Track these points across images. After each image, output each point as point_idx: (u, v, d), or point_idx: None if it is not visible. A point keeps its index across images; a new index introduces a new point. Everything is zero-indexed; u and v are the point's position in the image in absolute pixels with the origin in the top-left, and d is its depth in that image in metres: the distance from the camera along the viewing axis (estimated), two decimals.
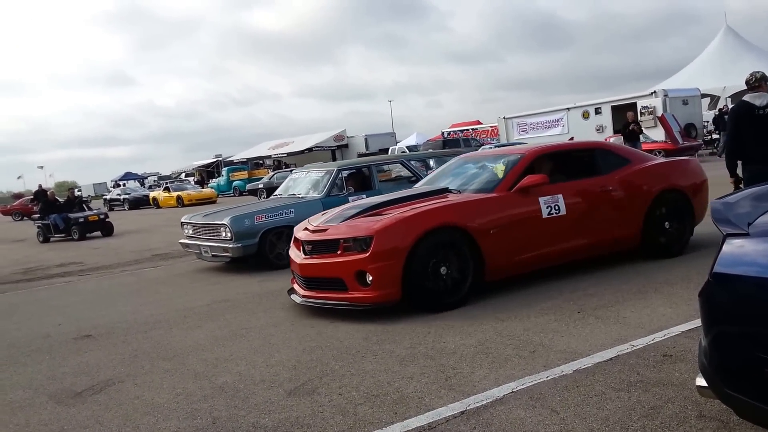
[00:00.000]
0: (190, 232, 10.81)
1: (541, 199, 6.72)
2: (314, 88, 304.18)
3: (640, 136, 21.92)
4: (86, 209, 22.35)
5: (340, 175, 10.64)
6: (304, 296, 6.61)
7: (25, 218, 37.16)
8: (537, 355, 4.63)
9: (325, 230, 6.52)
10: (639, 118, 24.64)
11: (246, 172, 47.61)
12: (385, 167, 13.41)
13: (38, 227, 21.58)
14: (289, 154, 53.60)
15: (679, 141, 25.20)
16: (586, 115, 31.09)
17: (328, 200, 9.99)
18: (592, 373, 4.16)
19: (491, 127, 42.75)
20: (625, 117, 22.56)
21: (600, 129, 30.03)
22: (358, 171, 11.47)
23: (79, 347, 6.31)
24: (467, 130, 46.05)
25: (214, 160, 63.92)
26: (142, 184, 61.35)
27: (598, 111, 30.63)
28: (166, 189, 39.67)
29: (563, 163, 7.71)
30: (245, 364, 5.15)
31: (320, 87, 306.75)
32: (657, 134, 25.43)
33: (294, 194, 11.02)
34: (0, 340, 7.07)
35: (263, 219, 9.67)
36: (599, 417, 3.52)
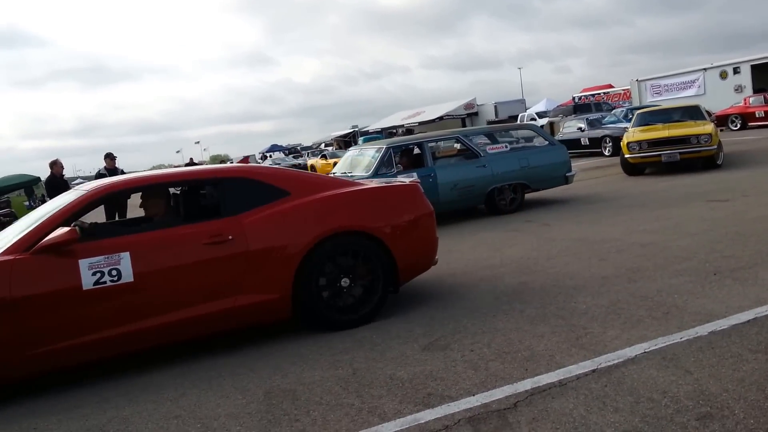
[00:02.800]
0: None
1: (84, 262, 4.58)
2: (440, 60, 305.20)
3: None
4: None
5: (389, 153, 10.46)
6: None
7: None
8: (670, 316, 4.60)
9: None
10: None
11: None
12: (441, 144, 12.89)
13: None
14: (421, 123, 54.05)
15: None
16: (723, 75, 29.33)
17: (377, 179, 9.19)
18: (728, 335, 4.11)
19: (623, 90, 40.92)
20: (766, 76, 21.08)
21: (739, 89, 28.21)
22: (409, 148, 11.36)
23: None
24: (599, 94, 44.12)
25: (351, 130, 65.65)
26: (287, 155, 63.64)
27: (736, 70, 28.82)
28: (323, 156, 39.24)
29: (162, 201, 6.04)
30: (382, 319, 5.41)
31: (446, 58, 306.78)
32: None
33: (346, 173, 10.75)
34: None
35: None
36: (735, 378, 3.50)
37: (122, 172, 13.94)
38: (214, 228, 5.02)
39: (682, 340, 4.13)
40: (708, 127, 13.85)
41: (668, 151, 13.63)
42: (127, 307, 4.71)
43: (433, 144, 11.47)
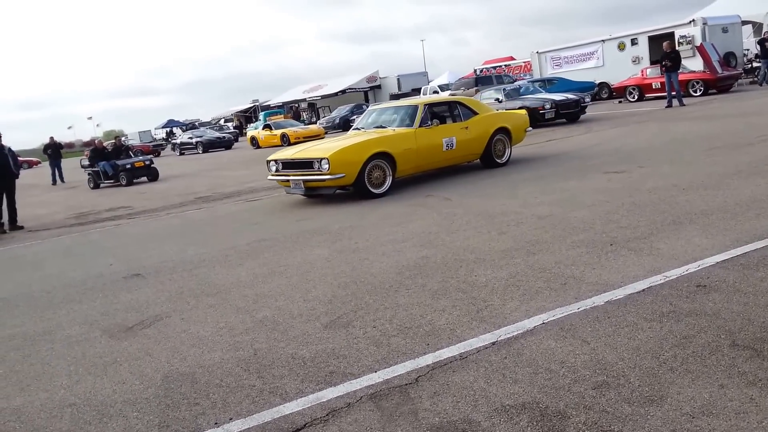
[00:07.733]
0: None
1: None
2: (336, 32, 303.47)
3: (680, 66, 21.16)
4: (131, 156, 22.98)
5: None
6: None
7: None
8: (568, 287, 4.69)
9: None
10: (677, 48, 23.81)
11: (282, 115, 47.72)
12: None
13: (88, 174, 22.48)
14: (323, 97, 54.11)
15: (718, 70, 24.44)
16: (621, 47, 30.22)
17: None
18: (624, 304, 4.21)
19: (524, 62, 41.74)
20: (662, 48, 21.84)
21: (636, 60, 29.22)
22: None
23: (129, 285, 6.57)
24: (500, 66, 44.96)
25: (251, 105, 64.82)
26: (185, 130, 61.67)
27: (634, 42, 29.73)
28: (267, 127, 36.26)
29: None
30: (284, 299, 5.32)
31: (341, 30, 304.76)
32: (695, 64, 24.65)
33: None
34: (57, 280, 7.39)
35: None
36: (630, 347, 3.58)
37: (10, 151, 13.17)
38: None
39: (580, 310, 4.21)
40: (335, 147, 10.26)
41: (294, 177, 10.48)
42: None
43: None
